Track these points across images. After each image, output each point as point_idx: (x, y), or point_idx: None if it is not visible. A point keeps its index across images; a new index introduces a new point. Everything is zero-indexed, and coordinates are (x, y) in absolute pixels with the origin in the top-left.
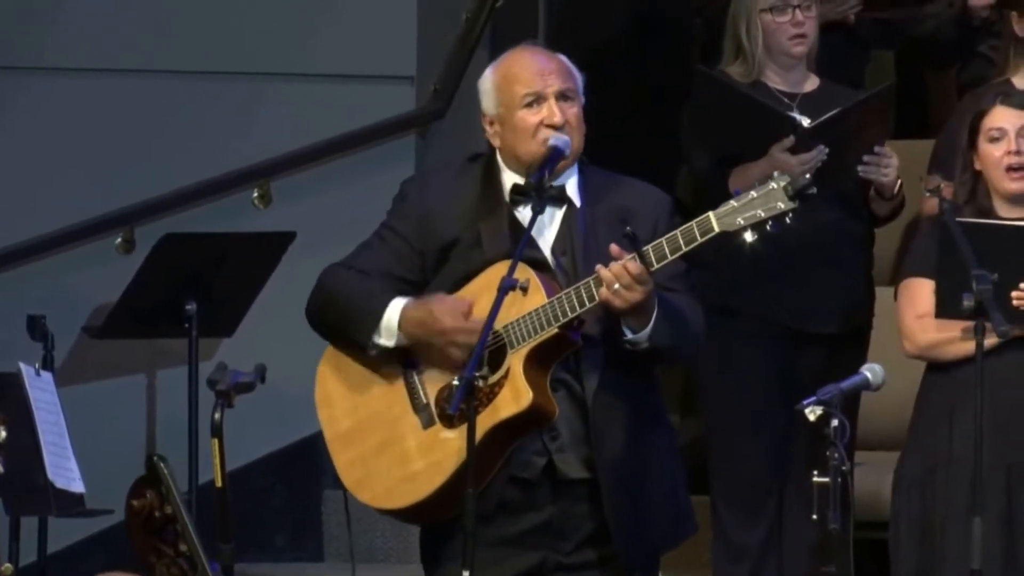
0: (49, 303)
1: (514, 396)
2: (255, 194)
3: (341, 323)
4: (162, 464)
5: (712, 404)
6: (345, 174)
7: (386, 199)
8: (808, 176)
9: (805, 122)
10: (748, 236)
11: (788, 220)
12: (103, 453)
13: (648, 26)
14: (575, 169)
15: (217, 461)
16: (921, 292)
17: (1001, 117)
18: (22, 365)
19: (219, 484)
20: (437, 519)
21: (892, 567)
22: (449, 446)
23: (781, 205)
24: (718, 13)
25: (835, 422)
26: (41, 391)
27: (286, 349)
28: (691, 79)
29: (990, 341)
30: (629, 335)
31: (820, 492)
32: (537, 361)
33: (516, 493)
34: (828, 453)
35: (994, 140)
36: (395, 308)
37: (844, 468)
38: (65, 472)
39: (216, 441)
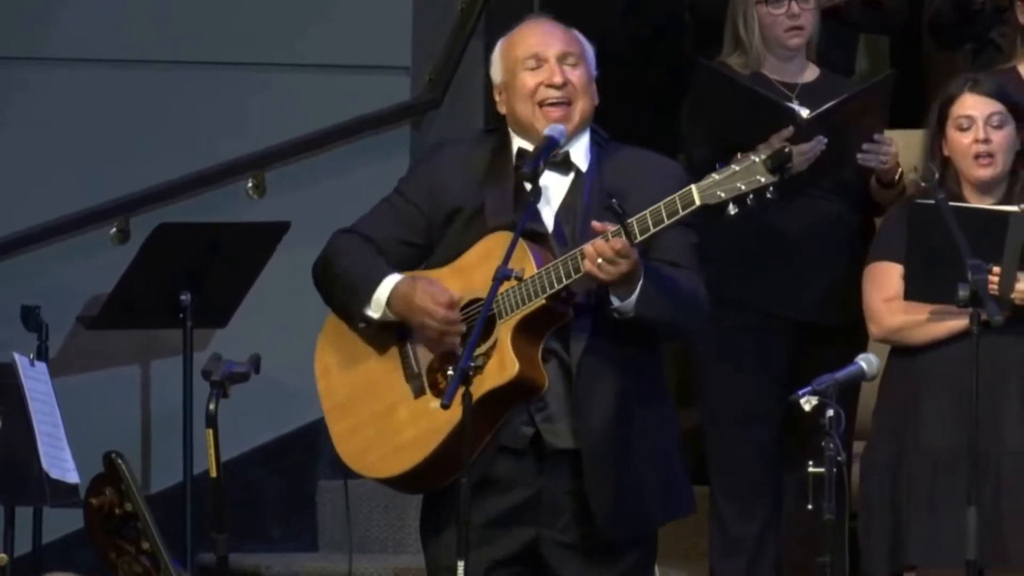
0: (43, 293)
1: (500, 367)
2: (249, 184)
3: (337, 291)
4: (120, 461)
5: (710, 395)
6: (340, 164)
7: (381, 189)
8: (787, 150)
9: (804, 112)
10: (731, 209)
11: (769, 195)
12: (97, 444)
13: (643, 17)
14: (585, 135)
15: (212, 451)
16: (888, 276)
17: (970, 105)
18: (16, 356)
19: (214, 474)
20: (429, 488)
21: (862, 554)
22: (438, 416)
23: (761, 179)
24: (708, 7)
25: (830, 412)
26: (35, 381)
27: (280, 339)
28: (687, 71)
29: (958, 324)
30: (616, 303)
31: (816, 482)
32: (526, 332)
33: (504, 465)
34: (823, 443)
35: (963, 128)
36: (389, 282)
37: (839, 458)
38: (60, 463)
39: (211, 431)
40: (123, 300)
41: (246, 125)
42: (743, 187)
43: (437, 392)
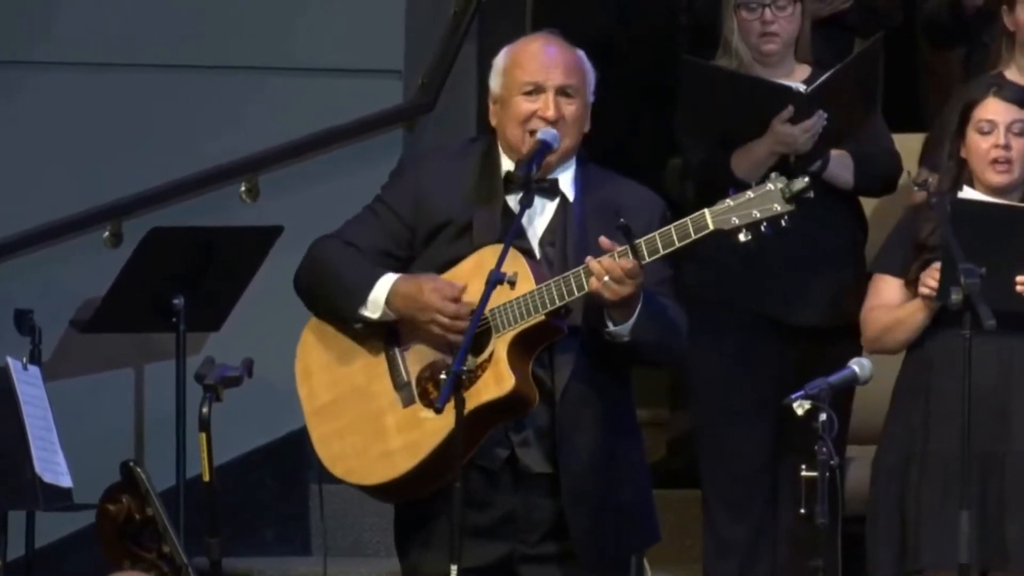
0: (36, 297)
1: (496, 380)
2: (243, 188)
3: (328, 293)
4: (138, 469)
5: (701, 398)
6: (333, 168)
7: (374, 193)
8: (806, 180)
9: (802, 88)
10: (742, 236)
11: (784, 223)
12: (90, 447)
13: (636, 21)
14: (572, 163)
15: (204, 455)
16: (878, 287)
17: (992, 110)
18: (9, 359)
19: (206, 478)
20: (410, 497)
21: (869, 557)
22: (428, 426)
23: (777, 207)
24: (704, 8)
25: (823, 416)
26: (28, 385)
27: (273, 343)
28: (680, 72)
29: (918, 323)
30: (611, 327)
31: (808, 486)
32: (521, 347)
33: (480, 482)
34: (816, 447)
35: (983, 132)
36: (385, 282)
37: (832, 462)
38: (52, 466)
39: (203, 435)
40: (116, 304)
41: (239, 129)
42: (758, 214)
43: (427, 402)
